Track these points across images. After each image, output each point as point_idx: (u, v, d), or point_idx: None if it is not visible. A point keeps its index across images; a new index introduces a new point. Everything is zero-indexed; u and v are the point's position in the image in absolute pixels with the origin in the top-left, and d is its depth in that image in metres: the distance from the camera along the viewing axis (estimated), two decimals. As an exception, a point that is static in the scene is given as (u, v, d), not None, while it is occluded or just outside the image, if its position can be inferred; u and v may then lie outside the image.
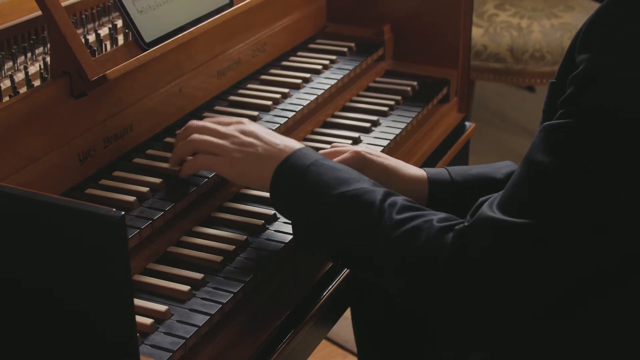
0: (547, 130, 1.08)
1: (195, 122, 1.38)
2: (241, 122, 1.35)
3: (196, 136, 1.34)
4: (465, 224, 1.12)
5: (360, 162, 1.39)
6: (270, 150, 1.30)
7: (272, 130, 1.51)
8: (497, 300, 1.10)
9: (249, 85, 1.68)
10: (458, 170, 1.41)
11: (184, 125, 1.51)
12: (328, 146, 1.52)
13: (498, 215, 1.08)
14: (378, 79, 1.87)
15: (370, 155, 1.39)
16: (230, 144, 1.32)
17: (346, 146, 1.45)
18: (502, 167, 1.41)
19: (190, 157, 1.36)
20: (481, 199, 1.15)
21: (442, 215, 1.16)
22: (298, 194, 1.25)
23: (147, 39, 1.41)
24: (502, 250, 1.08)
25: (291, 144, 1.31)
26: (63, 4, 1.32)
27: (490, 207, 1.10)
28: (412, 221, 1.15)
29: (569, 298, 1.11)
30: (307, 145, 1.40)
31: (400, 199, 1.20)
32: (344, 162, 1.39)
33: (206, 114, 1.57)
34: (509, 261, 1.08)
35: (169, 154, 1.41)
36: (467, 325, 1.14)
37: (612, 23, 1.05)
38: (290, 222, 1.31)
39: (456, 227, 1.12)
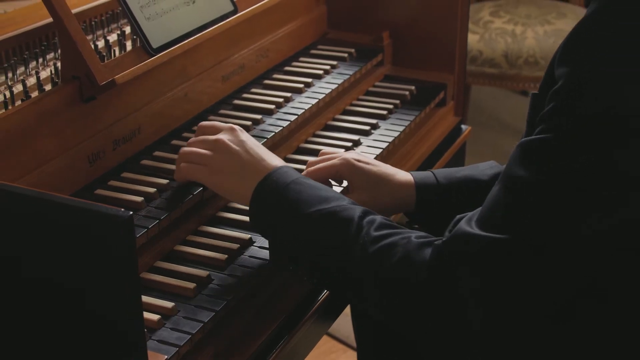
0: (525, 146, 1.07)
1: (202, 122, 1.38)
2: (233, 130, 1.34)
3: (184, 148, 1.35)
4: (443, 239, 1.11)
5: (349, 170, 1.38)
6: (253, 163, 1.28)
7: (275, 132, 1.54)
8: (477, 313, 1.08)
9: (253, 90, 1.68)
10: (444, 173, 1.41)
11: (189, 128, 1.53)
12: (328, 148, 1.52)
13: (477, 231, 1.07)
14: (377, 83, 1.87)
15: (359, 163, 1.38)
16: (214, 153, 1.31)
17: (335, 154, 1.43)
18: (487, 168, 1.41)
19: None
20: (458, 216, 1.14)
21: (420, 233, 1.15)
22: (278, 211, 1.24)
23: (154, 45, 1.42)
24: (481, 266, 1.06)
25: (274, 161, 1.30)
26: (73, 11, 1.33)
27: (468, 224, 1.09)
28: (389, 237, 1.14)
29: (561, 304, 1.10)
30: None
31: (379, 217, 1.19)
32: (333, 167, 1.38)
33: (211, 117, 1.58)
34: (488, 276, 1.06)
35: (175, 156, 1.42)
36: (447, 338, 1.13)
37: (592, 35, 1.04)
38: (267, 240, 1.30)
39: (435, 243, 1.11)
